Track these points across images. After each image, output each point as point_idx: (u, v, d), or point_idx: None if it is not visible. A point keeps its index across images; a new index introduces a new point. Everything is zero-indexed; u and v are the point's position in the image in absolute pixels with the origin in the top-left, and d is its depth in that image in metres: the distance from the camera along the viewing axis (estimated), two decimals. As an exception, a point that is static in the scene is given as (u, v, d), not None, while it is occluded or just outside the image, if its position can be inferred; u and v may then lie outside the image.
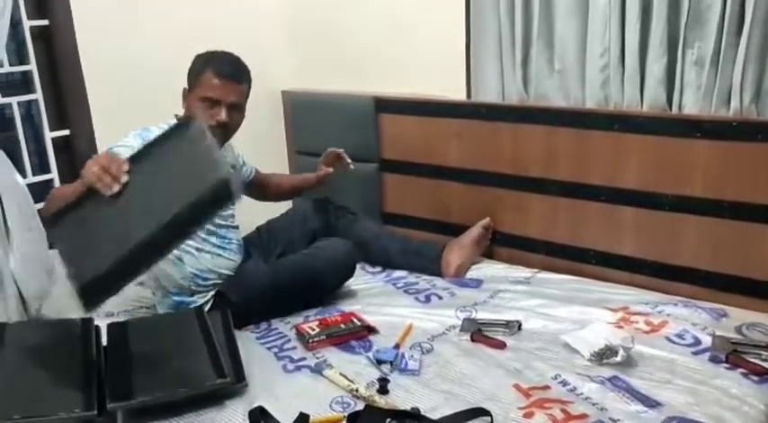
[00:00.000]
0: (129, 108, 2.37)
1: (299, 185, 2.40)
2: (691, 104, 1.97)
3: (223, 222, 2.03)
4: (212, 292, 1.98)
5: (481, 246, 2.32)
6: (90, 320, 1.80)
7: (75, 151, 2.29)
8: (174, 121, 1.92)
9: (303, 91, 2.78)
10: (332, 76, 2.71)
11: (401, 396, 1.57)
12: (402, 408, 1.51)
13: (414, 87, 2.48)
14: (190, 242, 1.90)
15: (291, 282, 2.03)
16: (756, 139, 1.83)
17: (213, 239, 1.99)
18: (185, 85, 1.94)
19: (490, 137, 2.30)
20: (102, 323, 1.87)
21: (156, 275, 1.94)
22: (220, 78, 1.88)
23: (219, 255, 2.00)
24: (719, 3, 1.84)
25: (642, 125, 2.00)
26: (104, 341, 1.76)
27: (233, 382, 1.58)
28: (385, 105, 2.52)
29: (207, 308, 1.95)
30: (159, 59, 2.43)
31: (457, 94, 2.41)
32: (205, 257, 1.96)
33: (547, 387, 1.58)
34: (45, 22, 2.17)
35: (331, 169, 2.29)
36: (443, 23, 2.39)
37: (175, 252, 1.84)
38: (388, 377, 1.64)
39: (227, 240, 2.03)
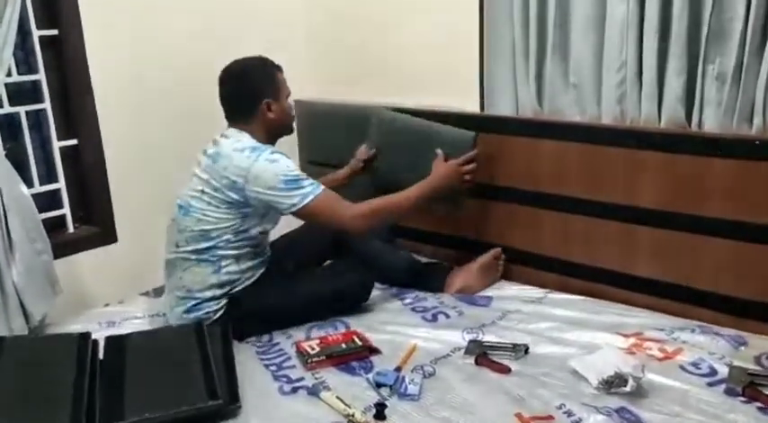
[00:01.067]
0: (138, 118, 2.37)
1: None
2: (711, 122, 1.89)
3: (269, 230, 2.03)
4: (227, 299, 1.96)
5: (490, 276, 2.25)
6: (87, 335, 1.78)
7: (83, 161, 2.28)
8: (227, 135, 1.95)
9: (316, 101, 2.74)
10: (345, 86, 2.68)
11: (398, 422, 1.52)
12: (398, 436, 1.46)
13: (427, 99, 2.43)
14: (229, 251, 1.91)
15: (306, 300, 2.02)
16: (780, 159, 1.74)
17: (255, 249, 1.99)
18: (267, 100, 1.94)
19: (503, 150, 2.23)
20: (103, 335, 1.87)
21: (186, 276, 1.93)
22: (282, 73, 2.01)
23: (253, 263, 1.99)
24: (742, 16, 1.76)
25: (660, 142, 1.93)
26: (101, 355, 1.74)
27: (226, 403, 1.55)
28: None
29: (218, 314, 1.93)
30: (169, 70, 2.42)
31: (471, 106, 2.35)
32: (242, 265, 1.96)
33: (550, 417, 1.52)
34: (54, 32, 2.16)
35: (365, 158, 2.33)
36: (457, 35, 2.34)
37: (218, 256, 1.90)
38: (387, 402, 1.59)
39: (261, 249, 2.03)
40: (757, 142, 1.78)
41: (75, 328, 2.00)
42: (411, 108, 2.44)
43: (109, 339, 1.80)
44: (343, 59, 2.70)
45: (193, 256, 1.91)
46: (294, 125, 2.10)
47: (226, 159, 1.86)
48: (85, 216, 2.36)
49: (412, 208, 2.02)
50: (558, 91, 2.17)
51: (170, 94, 2.44)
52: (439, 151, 2.13)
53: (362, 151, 2.37)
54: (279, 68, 2.00)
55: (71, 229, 2.31)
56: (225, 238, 1.90)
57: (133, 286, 2.33)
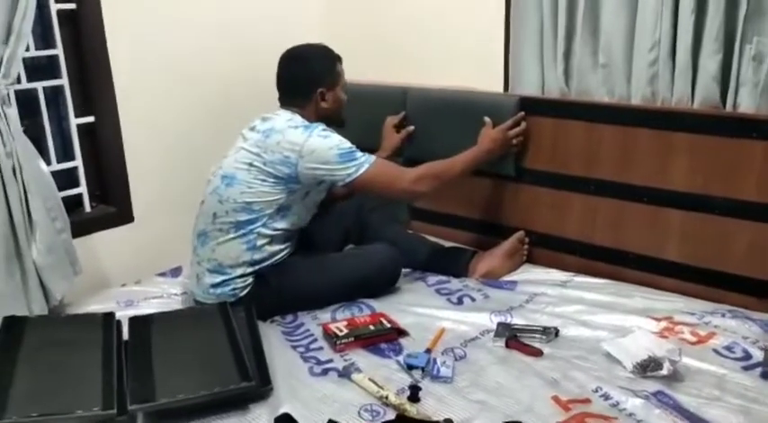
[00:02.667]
0: (156, 96, 2.33)
1: None
2: (746, 103, 1.85)
3: (310, 211, 2.03)
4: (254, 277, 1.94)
5: (514, 260, 2.22)
6: (111, 315, 1.76)
7: (100, 139, 2.24)
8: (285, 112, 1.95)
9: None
10: (366, 65, 2.62)
11: (433, 405, 1.50)
12: (435, 418, 1.44)
13: (450, 79, 2.38)
14: (267, 231, 1.90)
15: (335, 282, 2.00)
16: (818, 141, 1.71)
17: (288, 232, 1.97)
18: (322, 88, 1.97)
19: (528, 132, 2.19)
20: (124, 315, 1.84)
21: (219, 249, 1.90)
22: (342, 63, 2.05)
23: (284, 246, 1.98)
24: (783, -6, 1.72)
25: (693, 123, 1.89)
26: (126, 336, 1.71)
27: (258, 385, 1.52)
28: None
29: (245, 292, 1.91)
30: (188, 47, 2.38)
31: (494, 86, 2.31)
32: (275, 247, 1.94)
33: (587, 400, 1.50)
34: (72, 6, 2.11)
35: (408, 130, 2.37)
36: (482, 12, 2.29)
37: (255, 234, 1.89)
38: (420, 384, 1.56)
39: (294, 233, 2.02)
40: (794, 124, 1.75)
41: (95, 308, 1.98)
42: (431, 89, 2.40)
43: (133, 320, 1.77)
44: (363, 42, 2.64)
45: (232, 230, 1.88)
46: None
47: (279, 134, 1.86)
48: (102, 195, 2.32)
49: (465, 171, 2.06)
50: (586, 71, 2.13)
51: (191, 74, 2.40)
52: (487, 119, 2.16)
53: (390, 120, 2.39)
54: (339, 59, 2.04)
55: (88, 208, 2.27)
56: (267, 213, 1.88)
57: (150, 267, 2.30)
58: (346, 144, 1.88)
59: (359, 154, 1.89)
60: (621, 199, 2.06)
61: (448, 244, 2.33)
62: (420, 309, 1.95)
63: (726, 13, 1.81)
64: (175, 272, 2.28)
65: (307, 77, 1.97)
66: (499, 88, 2.31)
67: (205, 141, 2.35)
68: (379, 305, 1.97)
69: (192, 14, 2.37)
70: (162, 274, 2.28)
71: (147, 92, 2.29)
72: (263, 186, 1.86)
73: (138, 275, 2.26)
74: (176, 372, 1.54)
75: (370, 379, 1.57)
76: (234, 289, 1.91)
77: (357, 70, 2.54)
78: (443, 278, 2.16)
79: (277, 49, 2.02)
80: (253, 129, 1.94)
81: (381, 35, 2.60)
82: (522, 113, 2.16)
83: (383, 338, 1.78)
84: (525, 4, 2.18)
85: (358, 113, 2.48)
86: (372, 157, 1.90)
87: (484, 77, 2.32)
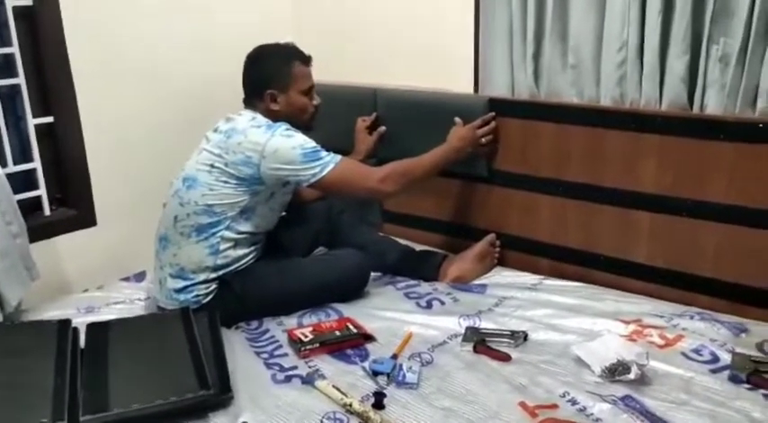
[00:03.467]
0: (119, 95, 2.27)
1: None
2: (714, 104, 1.84)
3: (275, 214, 1.99)
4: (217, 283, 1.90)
5: (486, 263, 2.19)
6: (68, 322, 1.70)
7: (60, 139, 2.17)
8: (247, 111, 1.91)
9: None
10: (335, 66, 2.59)
11: (398, 412, 1.47)
12: (398, 426, 1.40)
13: (420, 80, 2.36)
14: (230, 234, 1.85)
15: (302, 288, 1.95)
16: (784, 143, 1.71)
17: (254, 236, 1.93)
18: (271, 91, 1.91)
19: (498, 133, 2.17)
20: (83, 321, 1.78)
21: (181, 254, 1.86)
22: (307, 65, 1.97)
23: (249, 250, 1.93)
24: (749, -5, 1.71)
25: (661, 125, 1.88)
26: (82, 343, 1.65)
27: (217, 393, 1.47)
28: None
29: (208, 299, 1.87)
30: (152, 45, 2.32)
31: (464, 87, 2.29)
32: (239, 251, 1.90)
33: (555, 406, 1.48)
34: (29, 2, 2.04)
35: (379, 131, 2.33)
36: (452, 13, 2.26)
37: (218, 238, 1.84)
38: (385, 391, 1.53)
39: (259, 237, 1.97)
40: (761, 126, 1.74)
41: (53, 314, 1.92)
42: (401, 89, 2.37)
43: (90, 326, 1.71)
44: (333, 43, 2.61)
45: (194, 233, 1.84)
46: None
47: (240, 135, 1.81)
48: (63, 198, 2.25)
49: (433, 169, 2.02)
50: (555, 72, 2.11)
51: (155, 72, 2.34)
52: (457, 119, 2.13)
53: (361, 123, 2.36)
54: (302, 60, 1.96)
55: (47, 211, 2.20)
56: (229, 215, 1.84)
57: (113, 271, 2.24)
58: (310, 143, 1.83)
59: (324, 153, 1.84)
60: (591, 201, 2.05)
61: (419, 247, 2.31)
62: (388, 313, 1.91)
63: (692, 15, 1.80)
64: (139, 276, 2.22)
65: (258, 78, 1.93)
66: (469, 89, 2.29)
67: (170, 142, 2.30)
68: (348, 310, 1.94)
69: (157, 11, 2.31)
70: (125, 279, 2.22)
71: (109, 91, 2.23)
72: (225, 188, 1.82)
73: (100, 280, 2.20)
74: (132, 380, 1.50)
75: (333, 386, 1.54)
76: (197, 295, 1.86)
77: (327, 71, 2.50)
78: (413, 282, 2.13)
79: (244, 49, 1.98)
80: (216, 130, 1.89)
81: (351, 35, 2.57)
82: (493, 114, 2.14)
83: (349, 344, 1.74)
84: (494, 6, 2.16)
85: (328, 114, 2.45)
86: (338, 157, 1.86)
87: (454, 78, 2.30)
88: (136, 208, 2.30)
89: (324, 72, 2.47)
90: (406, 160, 1.97)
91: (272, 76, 1.92)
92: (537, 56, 2.13)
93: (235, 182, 1.81)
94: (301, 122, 1.96)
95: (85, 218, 2.25)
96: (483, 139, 2.13)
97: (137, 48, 2.28)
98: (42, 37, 2.07)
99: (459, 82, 2.29)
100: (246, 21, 2.53)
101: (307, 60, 1.97)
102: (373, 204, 2.52)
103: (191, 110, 2.39)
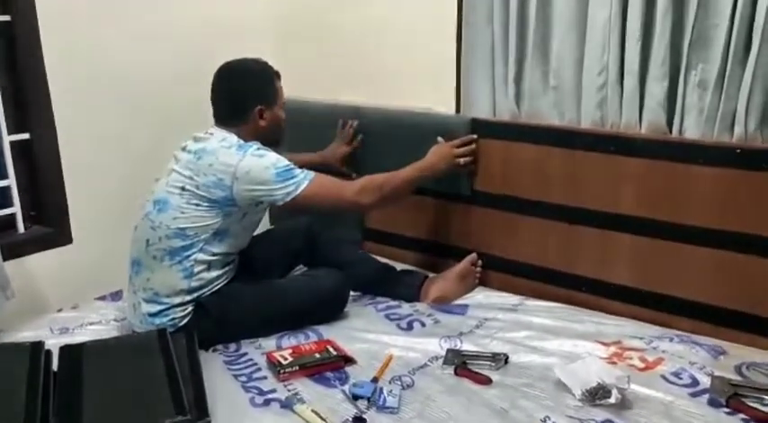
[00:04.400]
0: (97, 112, 2.24)
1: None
2: (692, 129, 1.86)
3: (248, 234, 1.97)
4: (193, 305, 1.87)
5: (467, 283, 2.19)
6: (40, 344, 1.65)
7: (36, 156, 2.14)
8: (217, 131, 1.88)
9: (287, 99, 2.64)
10: (318, 84, 2.58)
11: (378, 437, 1.45)
12: (378, 452, 1.38)
13: (401, 99, 2.36)
14: (204, 257, 1.83)
15: (277, 309, 1.93)
16: (761, 168, 1.73)
17: (227, 256, 1.90)
18: (261, 106, 1.90)
19: (480, 154, 2.18)
20: (57, 343, 1.74)
21: (155, 278, 1.83)
22: (280, 80, 1.98)
23: (223, 271, 1.90)
24: (726, 23, 1.74)
25: (641, 148, 1.90)
26: (55, 366, 1.61)
27: (194, 418, 1.44)
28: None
29: (184, 321, 1.84)
30: (131, 61, 2.30)
31: (447, 107, 2.29)
32: (213, 273, 1.87)
33: (536, 431, 1.47)
34: (6, 18, 2.01)
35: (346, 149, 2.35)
36: (434, 33, 2.27)
37: (192, 261, 1.81)
38: (365, 415, 1.51)
39: (233, 256, 1.94)
40: (738, 151, 1.77)
41: (26, 335, 1.88)
42: (384, 108, 2.37)
43: (64, 349, 1.67)
44: (316, 60, 2.61)
45: (166, 257, 1.81)
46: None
47: (211, 156, 1.78)
48: (38, 215, 2.21)
49: (409, 184, 2.01)
50: (537, 93, 2.12)
51: (134, 89, 2.32)
52: (440, 138, 2.14)
53: (348, 127, 2.36)
54: (278, 75, 1.97)
55: (21, 229, 2.16)
56: (202, 238, 1.81)
57: (88, 290, 2.20)
58: (283, 162, 1.81)
59: (297, 171, 1.82)
60: (572, 222, 2.06)
61: (400, 266, 2.30)
62: (369, 335, 1.90)
63: (671, 41, 1.83)
64: (116, 296, 2.18)
65: (245, 94, 1.89)
66: (451, 110, 2.29)
67: (149, 160, 2.24)
68: (328, 331, 1.92)
69: (136, 27, 2.29)
70: (101, 298, 2.18)
71: (87, 107, 2.20)
72: (197, 211, 1.79)
73: (76, 300, 2.16)
74: (106, 405, 1.46)
75: (313, 410, 1.52)
76: (173, 318, 1.83)
77: (309, 88, 2.51)
78: (394, 303, 2.11)
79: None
80: (184, 149, 1.86)
81: (334, 54, 2.56)
82: (474, 136, 2.14)
83: (329, 367, 1.72)
84: (476, 27, 2.17)
85: (310, 132, 2.45)
86: (312, 173, 1.84)
87: (437, 98, 2.30)
88: (112, 226, 2.26)
89: (307, 90, 2.48)
90: (381, 174, 1.96)
91: (261, 91, 1.91)
92: (518, 78, 2.14)
93: (207, 204, 1.79)
94: (278, 137, 1.96)
95: (61, 236, 2.22)
96: (461, 161, 2.12)
97: (115, 66, 2.26)
98: (19, 53, 2.05)
99: (442, 102, 2.29)
100: (229, 40, 2.51)
101: (280, 76, 1.98)
102: (354, 223, 2.51)
103: (169, 128, 2.35)
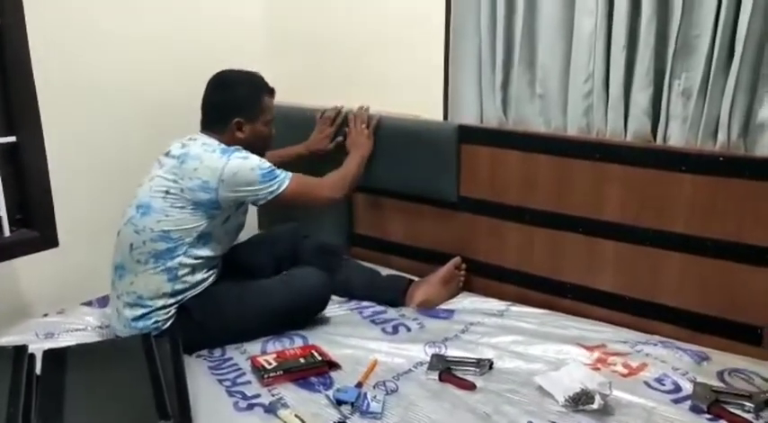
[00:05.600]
0: (85, 114, 2.24)
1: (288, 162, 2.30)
2: (676, 137, 1.88)
3: (231, 237, 1.99)
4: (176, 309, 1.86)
5: (451, 287, 2.20)
6: (24, 348, 1.65)
7: (23, 159, 2.13)
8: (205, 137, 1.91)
9: (277, 104, 2.65)
10: (305, 90, 2.59)
11: (361, 442, 1.45)
12: (361, 457, 1.39)
13: (390, 105, 2.37)
14: (188, 260, 1.84)
15: (260, 309, 1.93)
16: (743, 176, 1.75)
17: (211, 260, 1.91)
18: (239, 119, 1.92)
19: (467, 160, 2.19)
20: (40, 348, 1.73)
21: (138, 281, 1.83)
22: (273, 97, 2.01)
23: (207, 274, 1.91)
24: (709, 32, 1.76)
25: (625, 156, 1.92)
26: (38, 371, 1.61)
27: (177, 422, 1.43)
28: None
29: (167, 324, 1.84)
30: (120, 64, 2.30)
31: (434, 114, 2.30)
32: (197, 276, 1.87)
33: (518, 436, 1.47)
34: (-6, 21, 2.01)
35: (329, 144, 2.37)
36: (422, 41, 2.28)
37: (176, 264, 1.82)
38: (348, 421, 1.51)
39: (216, 260, 1.95)
40: (721, 158, 1.79)
41: (10, 339, 1.86)
42: (373, 114, 2.37)
43: (47, 353, 1.66)
44: (304, 66, 2.62)
45: (151, 260, 1.81)
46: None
47: (195, 160, 1.81)
48: (24, 219, 2.20)
49: (361, 169, 2.20)
50: (523, 101, 2.14)
51: (122, 92, 2.31)
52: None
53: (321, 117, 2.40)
54: (269, 92, 2.00)
55: (7, 232, 2.15)
56: (186, 241, 1.82)
57: (75, 295, 2.18)
58: (265, 163, 1.87)
59: (278, 171, 1.89)
60: (557, 229, 2.07)
61: (386, 271, 2.30)
62: (354, 340, 1.90)
63: (655, 49, 1.85)
64: (102, 301, 2.17)
65: (226, 104, 1.92)
66: (439, 116, 2.31)
67: (136, 162, 2.23)
68: (313, 336, 1.92)
69: (125, 30, 2.29)
70: (87, 304, 2.17)
71: (74, 110, 2.20)
72: (181, 213, 1.80)
73: (61, 304, 2.14)
74: (89, 409, 1.46)
75: (296, 415, 1.52)
76: (156, 321, 1.83)
77: (297, 94, 2.51)
78: (379, 308, 2.12)
79: (212, 70, 1.97)
80: (168, 154, 1.88)
81: (322, 60, 2.58)
82: (340, 106, 2.35)
83: (314, 372, 1.72)
84: (464, 35, 2.19)
85: (298, 137, 2.45)
86: (290, 173, 1.91)
87: (425, 105, 2.31)
88: (99, 230, 2.24)
89: (294, 95, 2.48)
90: (340, 169, 2.13)
91: (241, 104, 1.93)
92: (505, 85, 2.16)
93: (191, 207, 1.81)
94: (260, 152, 1.96)
95: (47, 239, 2.20)
96: (366, 132, 2.26)
97: (103, 68, 2.25)
98: (7, 55, 2.03)
99: (430, 108, 2.31)
100: (218, 43, 2.52)
101: (272, 93, 2.00)
102: (339, 228, 2.51)
103: (157, 131, 2.35)
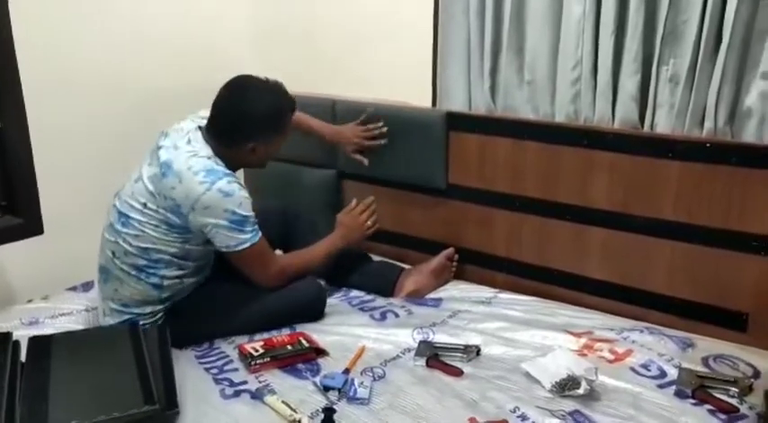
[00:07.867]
0: (69, 100, 2.21)
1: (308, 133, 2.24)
2: (663, 123, 1.88)
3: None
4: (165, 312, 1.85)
5: (442, 277, 2.19)
6: (8, 335, 1.63)
7: (6, 145, 2.10)
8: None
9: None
10: (294, 76, 2.56)
11: (348, 428, 1.45)
12: (347, 442, 1.39)
13: (378, 93, 2.36)
14: (173, 272, 1.79)
15: (253, 316, 1.87)
16: (730, 163, 1.75)
17: (200, 268, 1.87)
18: (255, 143, 1.78)
19: (455, 147, 2.18)
20: (25, 334, 1.72)
21: (123, 290, 1.80)
22: (294, 113, 1.87)
23: (197, 279, 1.88)
24: (697, 19, 1.76)
25: (613, 143, 1.92)
26: (23, 358, 1.59)
27: (163, 408, 1.43)
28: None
29: (158, 323, 1.82)
30: (104, 49, 2.27)
31: (423, 101, 2.30)
32: (185, 282, 1.84)
33: (505, 421, 1.47)
34: (-24, 6, 1.98)
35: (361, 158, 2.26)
36: (410, 28, 2.27)
37: (159, 276, 1.77)
38: (335, 406, 1.51)
39: (207, 263, 1.90)
40: (708, 145, 1.79)
41: (-6, 326, 1.85)
42: (355, 100, 2.36)
43: (32, 340, 1.65)
44: (292, 52, 2.60)
45: (133, 271, 1.77)
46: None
47: (175, 178, 1.69)
48: (9, 205, 2.18)
49: (327, 260, 2.00)
50: (512, 88, 2.13)
51: (107, 78, 2.29)
52: (353, 202, 2.09)
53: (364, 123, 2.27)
54: (293, 108, 1.85)
55: (-9, 218, 2.13)
56: (165, 259, 1.77)
57: (59, 281, 2.18)
58: (243, 211, 1.72)
59: (249, 228, 1.74)
60: (546, 216, 2.07)
61: (376, 257, 2.29)
62: (342, 327, 1.90)
63: (643, 36, 1.85)
64: (87, 286, 2.16)
65: (245, 123, 1.76)
66: (427, 103, 2.30)
67: (120, 150, 2.24)
68: (300, 325, 1.91)
69: (110, 17, 2.26)
70: (72, 289, 2.16)
71: (59, 96, 2.17)
72: (155, 232, 1.73)
73: (46, 291, 2.14)
74: (74, 395, 1.45)
75: (283, 401, 1.52)
76: (144, 325, 1.78)
77: (285, 81, 2.49)
78: (368, 297, 2.11)
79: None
80: (159, 148, 1.77)
81: (310, 47, 2.56)
82: (372, 197, 2.08)
83: (301, 358, 1.72)
84: (452, 21, 2.18)
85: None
86: (258, 237, 1.76)
87: (413, 92, 2.30)
88: (84, 216, 2.22)
89: (284, 82, 2.46)
90: (302, 254, 1.95)
91: (260, 126, 1.77)
92: (494, 71, 2.15)
93: (165, 228, 1.73)
94: (262, 166, 1.90)
95: (32, 226, 2.18)
96: (368, 222, 2.06)
97: (87, 55, 2.23)
98: (-11, 39, 2.01)
99: (418, 96, 2.30)
100: (203, 29, 2.49)
101: (295, 108, 1.86)
102: (329, 208, 2.48)
103: (142, 118, 2.34)
